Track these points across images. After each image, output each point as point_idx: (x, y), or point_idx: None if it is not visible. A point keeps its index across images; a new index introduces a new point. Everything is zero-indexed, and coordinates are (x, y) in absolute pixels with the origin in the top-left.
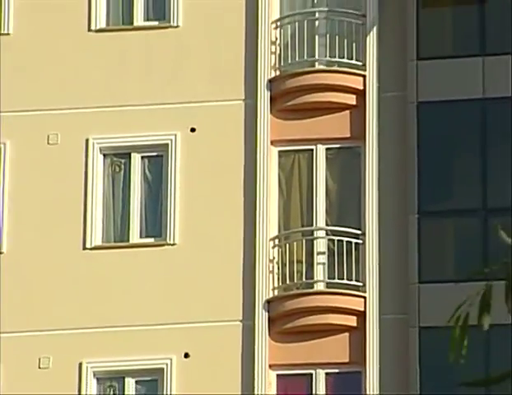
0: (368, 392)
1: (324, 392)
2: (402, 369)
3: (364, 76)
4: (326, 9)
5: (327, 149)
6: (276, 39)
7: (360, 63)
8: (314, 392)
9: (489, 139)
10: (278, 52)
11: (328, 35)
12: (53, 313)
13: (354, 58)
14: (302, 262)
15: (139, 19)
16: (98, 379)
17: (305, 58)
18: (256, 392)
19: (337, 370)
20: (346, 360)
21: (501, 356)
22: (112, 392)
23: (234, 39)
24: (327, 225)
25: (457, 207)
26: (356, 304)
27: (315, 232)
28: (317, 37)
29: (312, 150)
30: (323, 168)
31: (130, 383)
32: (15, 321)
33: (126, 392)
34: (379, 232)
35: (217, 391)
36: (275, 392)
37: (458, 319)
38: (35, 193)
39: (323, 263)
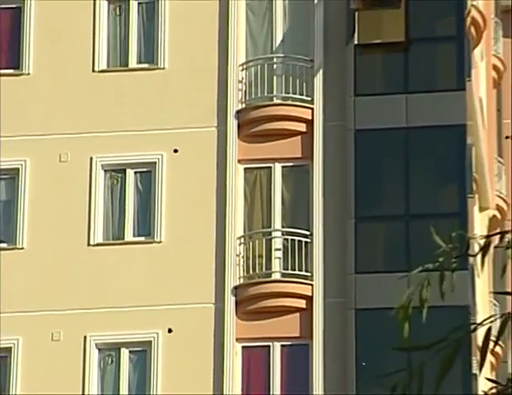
0: (314, 361)
1: (279, 361)
2: (341, 341)
3: (312, 109)
4: (282, 55)
5: (282, 167)
6: (243, 78)
7: (309, 98)
8: (271, 361)
9: (411, 159)
10: (244, 89)
11: (283, 76)
12: (63, 296)
13: (304, 94)
14: (262, 257)
15: (133, 62)
16: (99, 350)
17: (265, 94)
18: (225, 361)
19: (289, 343)
20: (297, 335)
21: (429, 333)
22: (110, 361)
23: (208, 79)
24: (282, 227)
25: (385, 214)
26: (305, 290)
27: (273, 233)
28: (275, 77)
29: (270, 167)
30: (279, 182)
31: (125, 353)
32: (32, 302)
33: (121, 360)
34: (323, 233)
35: (194, 358)
36: (240, 361)
37: (404, 307)
38: (50, 200)
39: (279, 257)
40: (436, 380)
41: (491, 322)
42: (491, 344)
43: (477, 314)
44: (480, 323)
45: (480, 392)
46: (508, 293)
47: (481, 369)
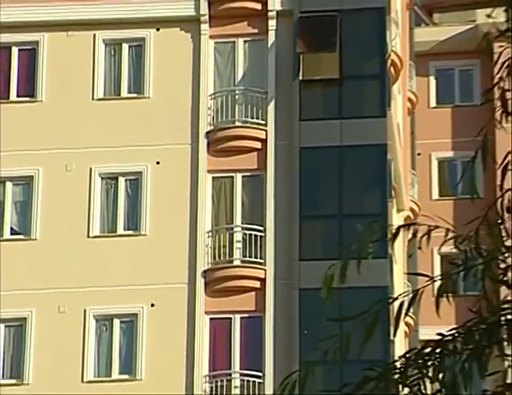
0: (266, 330)
1: (239, 330)
2: (288, 314)
3: (266, 131)
4: (243, 87)
5: (242, 176)
6: (211, 105)
7: (263, 122)
8: (232, 330)
9: (343, 171)
10: (212, 114)
11: (243, 104)
12: (67, 277)
13: (260, 118)
14: (226, 247)
15: (124, 92)
16: (96, 320)
17: (229, 118)
18: (196, 329)
19: (247, 315)
20: (253, 309)
21: (357, 308)
22: (104, 329)
23: (184, 106)
24: (242, 223)
25: (323, 214)
26: (259, 273)
27: (234, 228)
28: (236, 105)
29: (233, 177)
30: (239, 188)
31: (116, 323)
32: (43, 282)
33: (113, 329)
34: (274, 228)
35: (171, 327)
36: (208, 329)
37: (328, 278)
38: (57, 201)
39: (239, 248)
40: (360, 344)
41: (404, 297)
42: (403, 315)
43: (394, 293)
44: (395, 298)
45: (396, 356)
46: (417, 273)
47: (394, 335)
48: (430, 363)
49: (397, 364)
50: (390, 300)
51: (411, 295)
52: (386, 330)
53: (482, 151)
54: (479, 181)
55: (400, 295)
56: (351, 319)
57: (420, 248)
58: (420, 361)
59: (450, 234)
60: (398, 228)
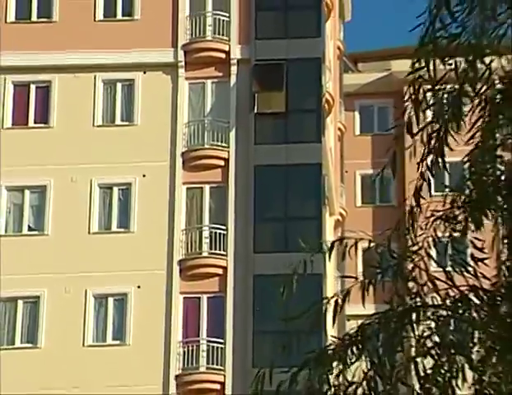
0: (227, 308)
1: (206, 307)
2: (244, 295)
3: (228, 151)
4: (210, 118)
5: (210, 187)
6: (186, 132)
7: (226, 145)
8: (201, 307)
9: (289, 184)
10: (186, 138)
11: (211, 131)
12: (72, 264)
13: (224, 142)
14: (196, 242)
15: (118, 120)
16: (94, 298)
17: (200, 141)
18: (172, 307)
19: (212, 295)
20: (217, 291)
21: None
22: (101, 305)
23: (164, 131)
24: (209, 224)
25: (273, 216)
26: (222, 263)
27: (203, 227)
28: (205, 131)
29: (202, 188)
30: (207, 197)
31: (110, 300)
32: (53, 268)
33: (108, 305)
34: (234, 228)
35: (153, 305)
36: (182, 307)
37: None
38: (65, 205)
39: (207, 243)
40: (307, 335)
41: (337, 296)
42: (339, 310)
43: (326, 284)
44: (332, 297)
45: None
46: (347, 276)
47: (333, 326)
48: (359, 340)
49: (330, 348)
50: (326, 300)
51: (342, 294)
52: (323, 324)
53: (392, 162)
54: (391, 190)
55: (333, 296)
56: (297, 318)
57: (347, 254)
58: (348, 342)
59: (371, 244)
60: (333, 243)
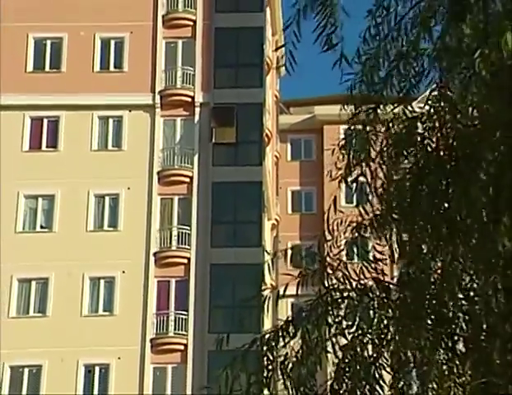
0: (190, 289)
1: (174, 289)
2: (203, 279)
3: (192, 171)
4: (179, 146)
5: (178, 199)
6: (160, 156)
7: (191, 166)
8: (170, 289)
9: (238, 197)
10: (161, 161)
11: (180, 155)
12: (73, 255)
13: (189, 164)
14: (167, 238)
15: (110, 146)
16: (90, 280)
17: (171, 164)
18: (149, 287)
19: (179, 279)
20: (182, 275)
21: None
22: (95, 285)
23: (144, 156)
24: (177, 225)
25: (226, 220)
26: (186, 254)
27: (172, 228)
28: (175, 156)
29: (172, 198)
30: (176, 206)
31: (102, 282)
32: (60, 258)
33: (100, 285)
34: (196, 227)
35: (134, 285)
36: (156, 288)
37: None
38: (69, 211)
39: (175, 239)
40: (254, 321)
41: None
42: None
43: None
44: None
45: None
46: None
47: (276, 312)
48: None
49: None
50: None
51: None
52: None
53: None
54: (314, 202)
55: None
56: (247, 302)
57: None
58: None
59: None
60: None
